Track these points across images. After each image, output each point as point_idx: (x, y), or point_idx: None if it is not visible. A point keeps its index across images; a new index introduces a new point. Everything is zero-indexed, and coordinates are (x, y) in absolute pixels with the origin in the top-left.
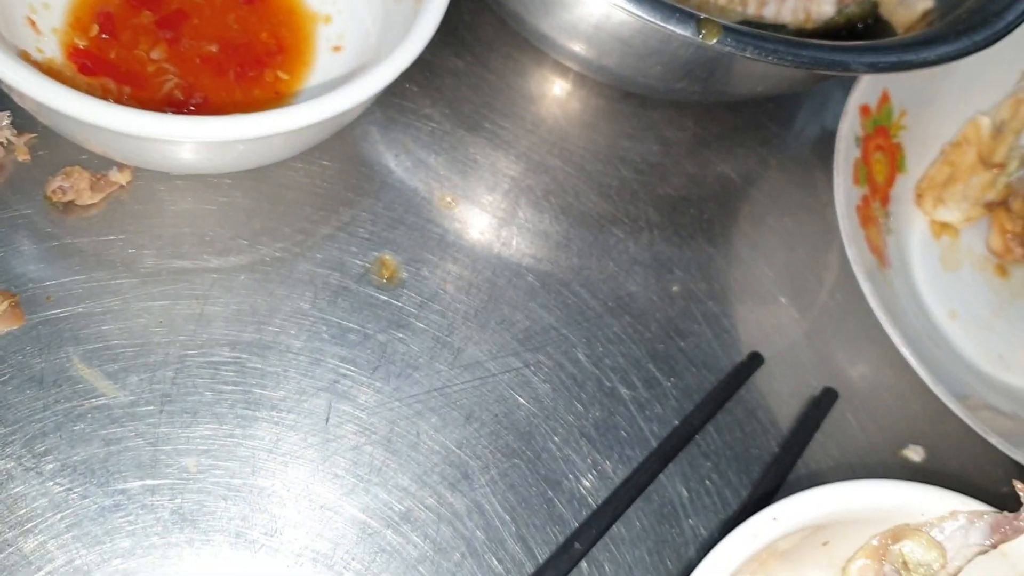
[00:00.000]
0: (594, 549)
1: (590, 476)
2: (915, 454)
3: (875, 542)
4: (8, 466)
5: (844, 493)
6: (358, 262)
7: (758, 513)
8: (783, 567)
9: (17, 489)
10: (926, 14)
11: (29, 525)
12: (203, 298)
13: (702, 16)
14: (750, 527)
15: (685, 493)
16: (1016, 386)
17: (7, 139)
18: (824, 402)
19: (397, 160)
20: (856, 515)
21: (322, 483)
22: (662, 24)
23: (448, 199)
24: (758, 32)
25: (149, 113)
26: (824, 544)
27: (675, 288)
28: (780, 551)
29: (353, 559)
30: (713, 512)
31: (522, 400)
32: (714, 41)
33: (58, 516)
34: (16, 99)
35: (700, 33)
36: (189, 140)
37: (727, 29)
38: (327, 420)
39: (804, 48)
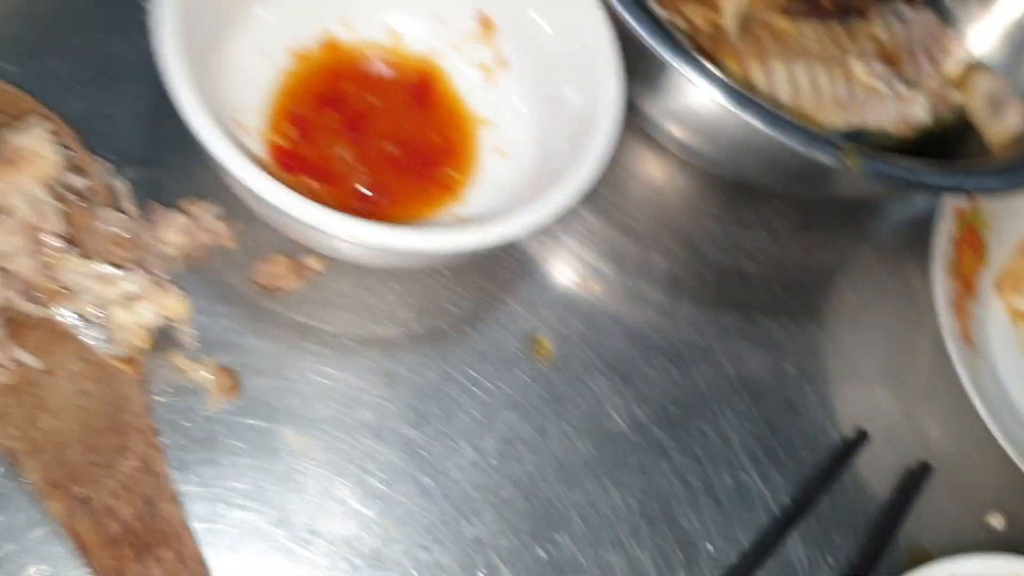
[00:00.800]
0: None
1: (719, 540)
2: (997, 522)
3: None
4: None
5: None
6: (514, 342)
7: None
8: None
9: None
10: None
11: None
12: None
13: (838, 143)
14: None
15: (804, 557)
16: None
17: (211, 228)
18: (920, 475)
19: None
20: None
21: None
22: (804, 149)
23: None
24: (898, 161)
25: (359, 221)
26: None
27: (789, 368)
28: None
29: None
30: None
31: (663, 466)
32: (858, 170)
33: None
34: (243, 195)
35: (842, 163)
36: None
37: (867, 156)
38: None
39: (948, 175)
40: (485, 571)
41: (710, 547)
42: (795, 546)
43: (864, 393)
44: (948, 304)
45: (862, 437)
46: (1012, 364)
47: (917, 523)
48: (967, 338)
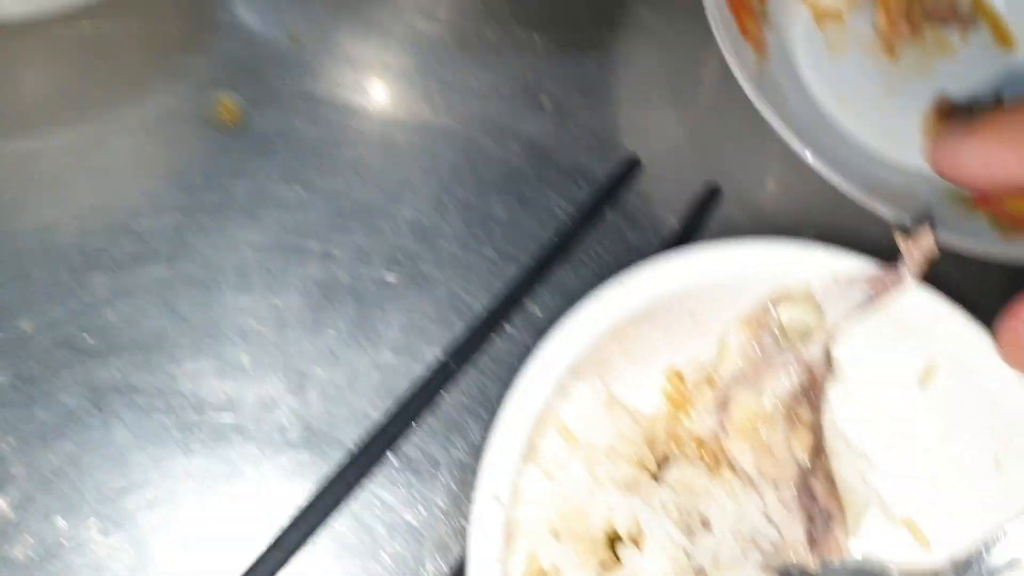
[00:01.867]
0: (469, 367)
1: (465, 298)
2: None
3: (747, 312)
4: None
5: (693, 256)
6: (197, 103)
7: (607, 283)
8: (651, 336)
9: None
10: None
11: None
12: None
13: None
14: (599, 297)
15: (567, 306)
16: (909, 164)
17: None
18: (707, 198)
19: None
20: (715, 280)
21: (176, 331)
22: None
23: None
24: None
25: None
26: (692, 316)
27: (545, 102)
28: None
29: None
30: None
31: (386, 228)
32: None
33: None
34: None
35: None
36: None
37: None
38: (170, 267)
39: None
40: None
41: (457, 304)
42: (554, 296)
43: (639, 119)
44: (723, 9)
45: (633, 166)
46: (819, 69)
47: None
48: (755, 42)
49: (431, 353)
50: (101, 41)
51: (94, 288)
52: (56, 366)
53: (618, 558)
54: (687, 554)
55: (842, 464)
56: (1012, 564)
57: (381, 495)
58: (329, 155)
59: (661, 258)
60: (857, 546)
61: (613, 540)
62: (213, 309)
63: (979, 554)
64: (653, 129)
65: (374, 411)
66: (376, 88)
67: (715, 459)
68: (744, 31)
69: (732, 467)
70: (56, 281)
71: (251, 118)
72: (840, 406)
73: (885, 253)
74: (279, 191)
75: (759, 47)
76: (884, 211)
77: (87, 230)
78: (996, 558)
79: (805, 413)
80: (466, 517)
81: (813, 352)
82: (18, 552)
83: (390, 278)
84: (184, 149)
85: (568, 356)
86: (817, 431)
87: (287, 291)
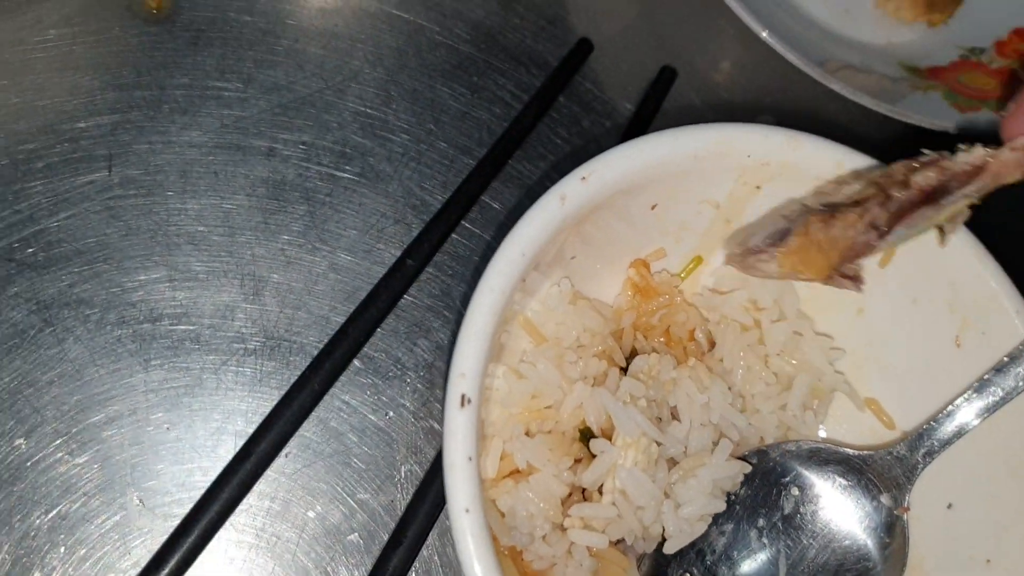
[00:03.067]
0: (430, 266)
1: (419, 194)
2: (766, 123)
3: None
4: None
5: (650, 144)
6: None
7: (566, 176)
8: (614, 227)
9: None
10: None
11: None
12: None
13: None
14: (558, 189)
15: (525, 199)
16: (866, 40)
17: None
18: (662, 81)
19: None
20: (674, 167)
21: (120, 239)
22: None
23: None
24: None
25: None
26: (653, 208)
27: None
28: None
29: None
30: None
31: (332, 122)
32: None
33: None
34: None
35: None
36: None
37: None
38: (109, 171)
39: None
40: None
41: (411, 201)
42: (509, 188)
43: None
44: None
45: (584, 48)
46: None
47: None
48: None
49: (389, 253)
50: None
51: (31, 196)
52: None
53: (591, 452)
54: (657, 444)
55: (810, 349)
56: (959, 431)
57: (348, 400)
58: (267, 45)
59: (619, 147)
60: (825, 430)
61: (585, 435)
62: (158, 215)
63: (930, 427)
64: (604, 10)
65: (334, 315)
66: None
67: (682, 349)
68: None
69: (699, 356)
70: None
71: (180, 7)
72: (806, 293)
73: (841, 130)
74: (216, 85)
75: None
76: (840, 88)
77: (16, 134)
78: (945, 429)
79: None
80: (436, 418)
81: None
82: None
83: (341, 175)
84: (111, 43)
85: (530, 251)
86: None
87: (234, 193)
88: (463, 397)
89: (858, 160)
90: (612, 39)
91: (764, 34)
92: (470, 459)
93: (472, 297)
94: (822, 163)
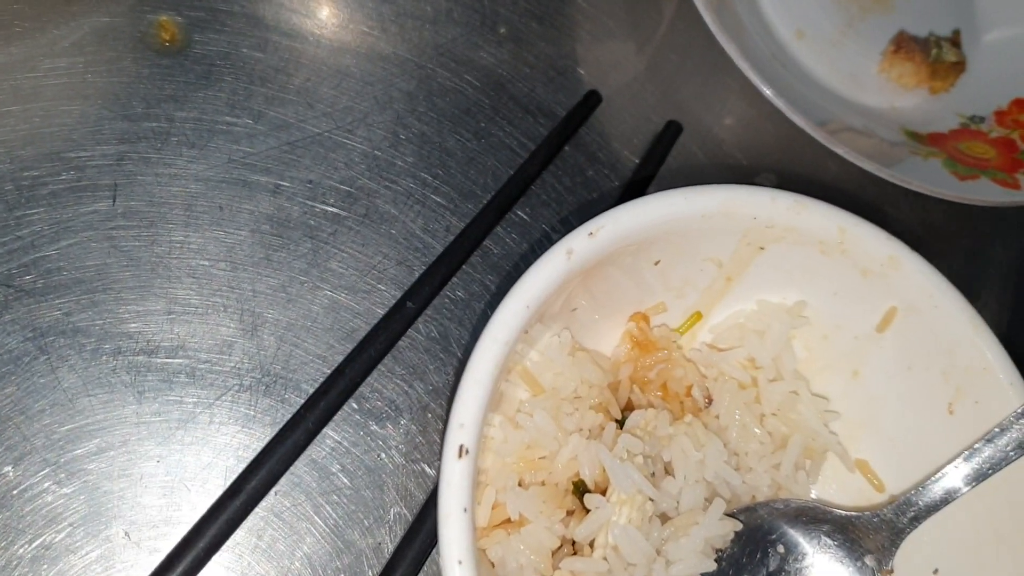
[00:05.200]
0: (428, 309)
1: (422, 236)
2: (767, 181)
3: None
4: None
5: (659, 202)
6: (133, 22)
7: (574, 230)
8: (617, 282)
9: None
10: None
11: None
12: None
13: None
14: (565, 243)
15: (526, 245)
16: (869, 104)
17: None
18: (667, 136)
19: None
20: (680, 226)
21: (121, 269)
22: None
23: None
24: None
25: None
26: (656, 263)
27: (502, 31)
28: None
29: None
30: None
31: (340, 162)
32: None
33: None
34: None
35: None
36: None
37: None
38: (113, 201)
39: None
40: None
41: (413, 243)
42: (510, 235)
43: (599, 52)
44: None
45: (592, 99)
46: (779, 1)
47: (670, 183)
48: None
49: (389, 294)
50: None
51: (33, 223)
52: None
53: (584, 507)
54: (651, 500)
55: (806, 409)
56: (947, 498)
57: (340, 439)
58: (278, 83)
59: (628, 204)
60: (815, 490)
61: (579, 487)
62: (160, 247)
63: (918, 492)
64: (612, 62)
65: (332, 354)
66: (326, 12)
67: (679, 404)
68: None
69: (696, 412)
70: None
71: (192, 41)
72: (804, 354)
73: (842, 190)
74: (226, 120)
75: None
76: (844, 152)
77: (21, 160)
78: (933, 494)
79: None
80: (427, 462)
81: None
82: None
83: (345, 215)
84: (122, 73)
85: (535, 303)
86: None
87: (238, 228)
88: (461, 448)
89: (861, 226)
90: (619, 91)
91: (768, 92)
92: (465, 510)
93: (475, 347)
94: (825, 228)
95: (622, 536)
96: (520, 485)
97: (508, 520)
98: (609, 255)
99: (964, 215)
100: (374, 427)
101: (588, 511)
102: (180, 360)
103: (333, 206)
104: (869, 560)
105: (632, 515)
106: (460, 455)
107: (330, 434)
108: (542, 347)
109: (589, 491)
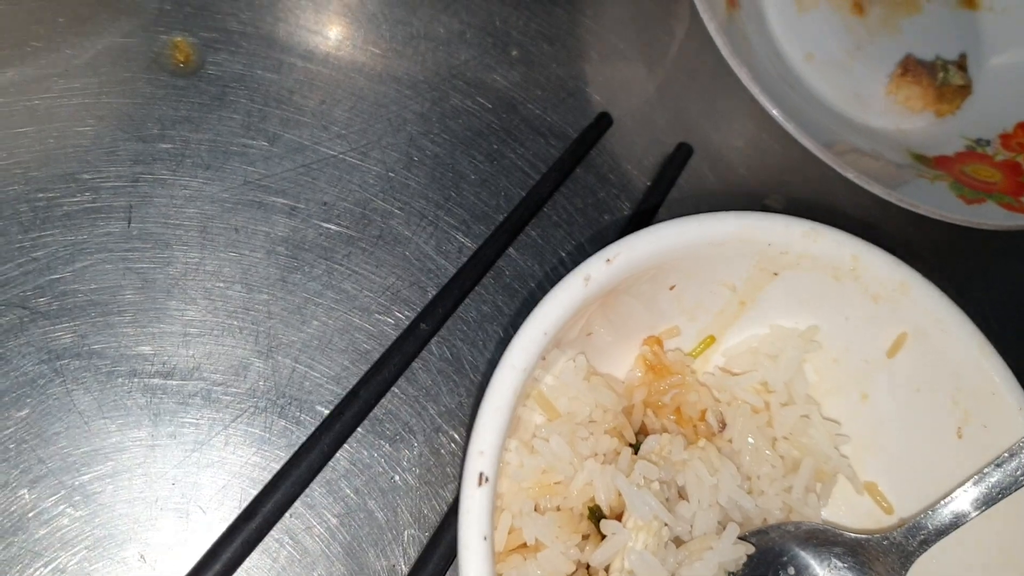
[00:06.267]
0: (443, 329)
1: (435, 258)
2: (776, 203)
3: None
4: None
5: (675, 229)
6: (147, 43)
7: (591, 257)
8: (632, 307)
9: None
10: None
11: None
12: None
13: None
14: (582, 270)
15: (537, 266)
16: (876, 126)
17: None
18: (678, 157)
19: None
20: (696, 252)
21: (136, 291)
22: None
23: None
24: None
25: None
26: (671, 288)
27: (514, 53)
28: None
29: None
30: None
31: (354, 184)
32: None
33: None
34: None
35: None
36: None
37: None
38: (128, 223)
39: None
40: None
41: (427, 264)
42: (524, 256)
43: (610, 74)
44: None
45: (603, 122)
46: (788, 24)
47: (681, 206)
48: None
49: (403, 315)
50: None
51: (48, 245)
52: (10, 329)
53: (600, 531)
54: (667, 525)
55: (817, 433)
56: (956, 522)
57: (354, 461)
58: (293, 105)
59: (645, 231)
60: (825, 512)
61: (594, 512)
62: (175, 268)
63: (927, 515)
64: (623, 84)
65: (346, 375)
66: (340, 34)
67: (692, 428)
68: None
69: (709, 436)
70: (6, 237)
71: (207, 62)
72: (814, 378)
73: (850, 211)
74: (241, 142)
75: (733, 2)
76: (853, 176)
77: (36, 181)
78: (942, 518)
79: None
80: (440, 484)
81: None
82: None
83: (359, 236)
84: (136, 95)
85: (553, 330)
86: None
87: (253, 250)
88: (481, 475)
89: (873, 253)
90: (630, 113)
91: (776, 114)
92: (485, 538)
93: (494, 374)
94: (838, 255)
95: (638, 562)
96: (536, 510)
97: (524, 545)
98: (626, 281)
99: (973, 235)
100: (388, 448)
101: (604, 536)
102: (195, 382)
103: (347, 228)
104: None
105: (648, 541)
106: (480, 483)
107: (344, 456)
108: (557, 371)
109: (605, 516)
